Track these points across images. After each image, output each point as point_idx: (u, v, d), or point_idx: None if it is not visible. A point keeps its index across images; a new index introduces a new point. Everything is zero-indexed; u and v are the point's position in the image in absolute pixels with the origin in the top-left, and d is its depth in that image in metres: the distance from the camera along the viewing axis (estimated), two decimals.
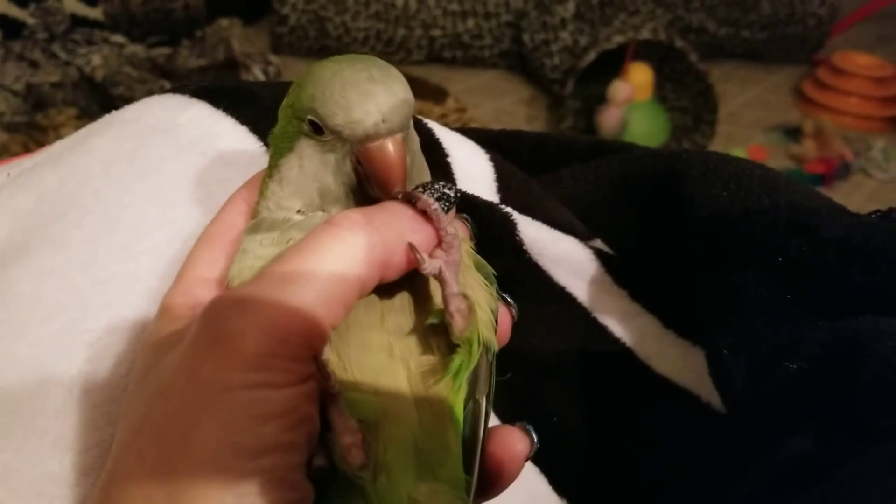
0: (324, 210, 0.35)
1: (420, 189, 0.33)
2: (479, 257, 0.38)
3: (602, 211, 0.53)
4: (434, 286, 0.35)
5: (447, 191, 0.33)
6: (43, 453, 0.38)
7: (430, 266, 0.33)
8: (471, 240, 0.38)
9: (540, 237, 0.50)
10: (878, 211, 0.43)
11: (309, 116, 0.33)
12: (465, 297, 0.34)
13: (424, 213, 0.33)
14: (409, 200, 0.33)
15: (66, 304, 0.41)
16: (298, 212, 0.35)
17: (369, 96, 0.32)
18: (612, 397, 0.50)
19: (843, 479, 0.32)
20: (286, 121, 0.35)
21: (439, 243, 0.33)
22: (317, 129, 0.33)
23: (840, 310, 0.38)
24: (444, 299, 0.34)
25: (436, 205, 0.33)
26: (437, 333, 0.34)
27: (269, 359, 0.28)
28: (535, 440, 0.38)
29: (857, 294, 0.38)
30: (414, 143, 0.36)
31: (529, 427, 0.38)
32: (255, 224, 0.36)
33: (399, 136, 0.33)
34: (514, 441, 0.37)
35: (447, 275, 0.33)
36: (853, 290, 0.38)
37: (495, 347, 0.37)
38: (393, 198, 0.33)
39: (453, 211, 0.34)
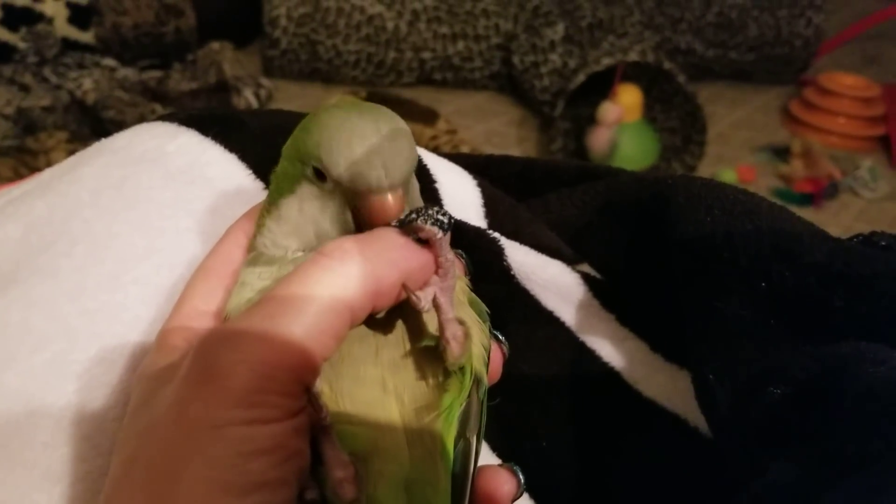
0: None
1: (413, 215, 0.33)
2: (473, 294, 0.38)
3: (589, 235, 0.53)
4: (429, 316, 0.35)
5: (441, 217, 0.33)
6: (31, 486, 0.38)
7: (426, 302, 0.33)
8: (466, 276, 0.39)
9: (527, 262, 0.50)
10: (859, 235, 0.44)
11: (313, 163, 0.33)
12: (460, 322, 0.34)
13: (421, 241, 0.33)
14: (410, 231, 0.33)
15: (54, 334, 0.41)
16: (295, 250, 0.35)
17: (374, 151, 0.32)
18: (600, 421, 0.50)
19: None
20: (289, 162, 0.35)
21: (436, 270, 0.33)
22: (320, 176, 0.33)
23: (823, 335, 0.38)
24: (440, 326, 0.33)
25: (440, 234, 0.33)
26: (431, 367, 0.35)
27: (259, 395, 0.28)
28: (523, 481, 0.38)
29: (840, 319, 0.38)
30: (414, 190, 0.36)
31: (517, 468, 0.38)
32: (254, 257, 0.36)
33: (400, 191, 0.33)
34: (502, 482, 0.37)
35: (442, 301, 0.33)
36: (835, 315, 0.39)
37: (486, 384, 0.37)
38: (387, 224, 0.33)
39: (449, 236, 0.34)
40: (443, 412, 0.34)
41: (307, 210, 0.34)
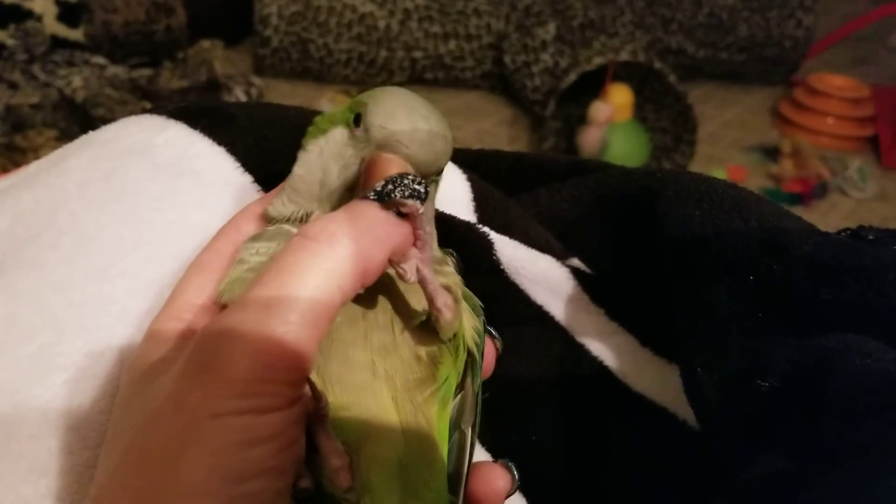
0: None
1: (390, 186, 0.32)
2: (466, 289, 0.38)
3: (578, 229, 0.53)
4: (415, 297, 0.35)
5: (417, 186, 0.33)
6: (17, 478, 0.38)
7: (412, 274, 0.33)
8: (457, 273, 0.39)
9: (517, 256, 0.50)
10: (847, 229, 0.44)
11: (359, 109, 0.35)
12: (447, 289, 0.35)
13: (401, 214, 0.33)
14: (391, 206, 0.32)
15: (40, 326, 0.41)
16: (298, 221, 0.36)
17: (413, 120, 0.34)
18: (590, 416, 0.50)
19: (814, 498, 0.32)
20: (340, 109, 0.37)
21: (415, 242, 0.34)
22: (356, 121, 0.35)
23: (810, 327, 0.38)
24: (429, 296, 0.34)
25: (422, 208, 0.33)
26: (422, 350, 0.35)
27: (259, 384, 0.28)
28: (517, 477, 0.38)
29: (827, 311, 0.39)
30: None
31: (511, 464, 0.38)
32: (258, 234, 0.37)
33: (410, 169, 0.33)
34: (496, 478, 0.38)
35: (426, 273, 0.34)
36: (822, 308, 0.39)
37: (481, 376, 0.37)
38: (366, 197, 0.33)
39: (424, 208, 0.34)
40: (440, 386, 0.34)
41: (326, 151, 0.36)
